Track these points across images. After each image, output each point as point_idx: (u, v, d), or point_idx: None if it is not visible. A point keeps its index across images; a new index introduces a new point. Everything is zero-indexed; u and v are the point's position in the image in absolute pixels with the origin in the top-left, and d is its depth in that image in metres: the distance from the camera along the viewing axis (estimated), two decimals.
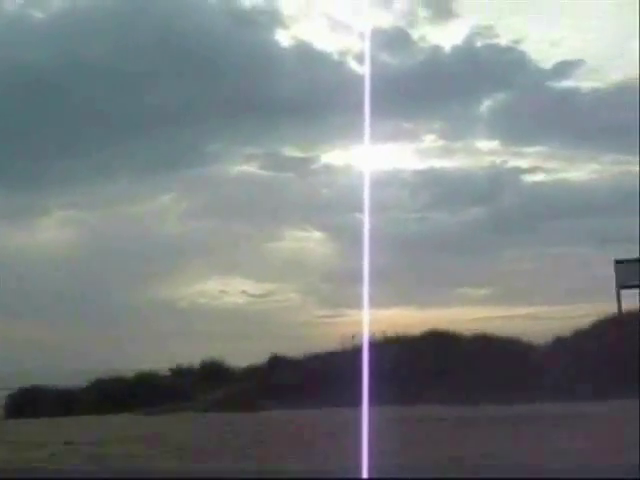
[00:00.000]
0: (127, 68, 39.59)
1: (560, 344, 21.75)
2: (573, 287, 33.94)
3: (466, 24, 43.60)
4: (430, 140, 42.77)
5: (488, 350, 19.76)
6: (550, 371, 18.82)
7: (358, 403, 7.78)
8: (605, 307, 21.83)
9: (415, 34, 42.49)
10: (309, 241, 44.10)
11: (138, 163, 41.35)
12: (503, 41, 40.95)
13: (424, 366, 19.19)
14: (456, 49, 40.94)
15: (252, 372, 21.19)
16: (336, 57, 42.61)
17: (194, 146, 43.37)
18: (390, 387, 17.19)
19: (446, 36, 43.33)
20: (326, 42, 51.02)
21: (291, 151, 43.60)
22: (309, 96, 39.28)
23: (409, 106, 41.03)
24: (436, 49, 41.12)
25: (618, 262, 24.57)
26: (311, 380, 18.66)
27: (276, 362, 21.47)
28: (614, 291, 23.37)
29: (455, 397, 17.96)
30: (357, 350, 19.33)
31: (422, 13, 44.34)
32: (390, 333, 19.62)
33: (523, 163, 41.77)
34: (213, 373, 21.66)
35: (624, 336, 20.54)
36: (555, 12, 42.49)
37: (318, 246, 44.11)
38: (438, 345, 19.95)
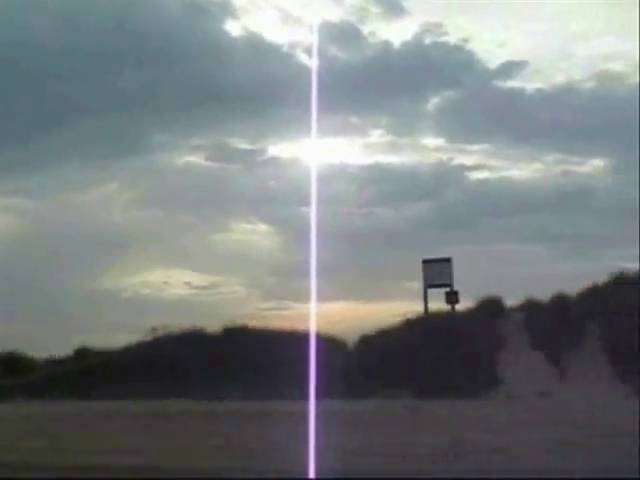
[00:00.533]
0: (75, 52, 38.86)
1: (363, 343, 23.02)
2: (515, 283, 34.49)
3: (416, 21, 43.72)
4: (377, 135, 42.91)
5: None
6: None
7: None
8: None
9: (365, 29, 42.37)
10: (255, 234, 43.89)
11: (82, 151, 40.52)
12: (452, 39, 41.16)
13: None
14: (405, 45, 41.26)
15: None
16: (286, 49, 42.29)
17: (140, 135, 42.79)
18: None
19: (396, 32, 43.42)
20: (276, 34, 50.73)
21: (238, 143, 43.21)
22: (258, 88, 39.08)
23: (357, 101, 41.21)
24: (386, 45, 41.36)
25: (425, 262, 25.46)
26: None
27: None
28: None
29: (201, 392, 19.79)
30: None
31: (373, 9, 44.30)
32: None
33: (468, 160, 42.08)
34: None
35: (427, 335, 21.85)
36: (503, 13, 43.01)
37: (264, 239, 43.95)
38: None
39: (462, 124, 41.83)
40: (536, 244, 39.02)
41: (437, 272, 25.02)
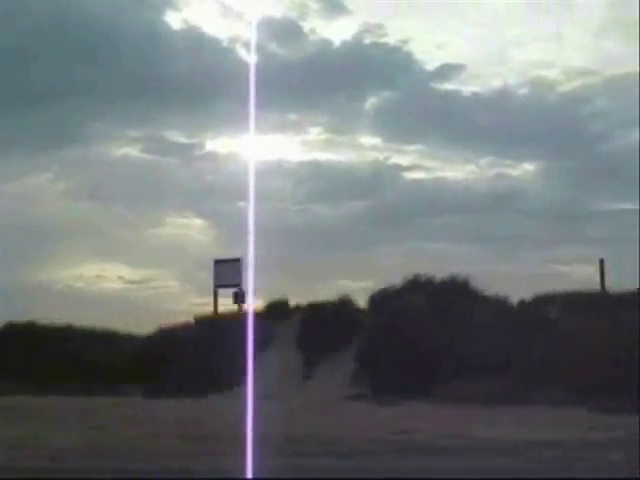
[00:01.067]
0: (9, 42, 37.96)
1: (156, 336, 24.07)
2: None
3: (356, 21, 44.07)
4: (315, 133, 43.07)
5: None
6: None
7: None
8: None
9: (306, 26, 42.36)
10: (190, 228, 43.58)
11: (16, 141, 39.60)
12: (391, 40, 41.51)
13: None
14: (345, 44, 41.48)
15: None
16: (226, 44, 42.03)
17: (75, 125, 41.93)
18: None
19: (336, 31, 43.57)
20: (216, 28, 50.34)
21: (175, 136, 42.78)
22: (197, 81, 38.73)
23: (296, 98, 41.26)
24: (325, 43, 41.52)
25: (216, 262, 26.25)
26: None
27: None
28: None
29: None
30: None
31: (314, 6, 44.31)
32: None
33: (404, 160, 42.58)
34: None
35: (216, 336, 22.87)
36: (442, 17, 43.54)
37: (199, 233, 43.66)
38: None
39: (399, 124, 42.37)
40: (469, 244, 39.79)
41: (227, 272, 25.61)
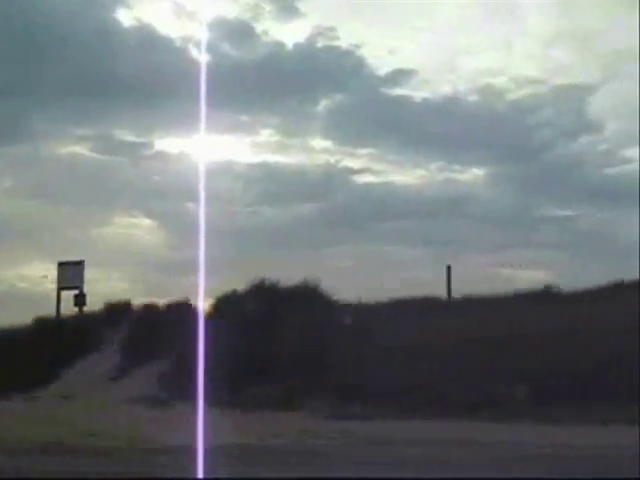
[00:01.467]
0: None
1: None
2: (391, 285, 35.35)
3: (309, 23, 44.05)
4: (266, 135, 42.98)
5: None
6: None
7: None
8: None
9: (259, 28, 42.26)
10: (138, 228, 43.06)
11: None
12: (344, 44, 41.67)
13: None
14: (298, 47, 41.51)
15: None
16: (178, 43, 41.66)
17: (23, 123, 41.09)
18: None
19: (289, 33, 43.59)
20: (169, 27, 50.00)
21: (124, 135, 42.24)
22: (147, 80, 38.37)
23: (247, 99, 41.07)
24: (278, 45, 41.47)
25: (60, 264, 26.64)
26: None
27: None
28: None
29: None
30: None
31: (267, 8, 44.22)
32: None
33: (355, 164, 42.79)
34: None
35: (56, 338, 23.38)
36: (395, 22, 43.80)
37: (148, 234, 43.20)
38: None
39: (350, 128, 42.53)
40: (418, 248, 40.15)
41: (70, 275, 25.81)
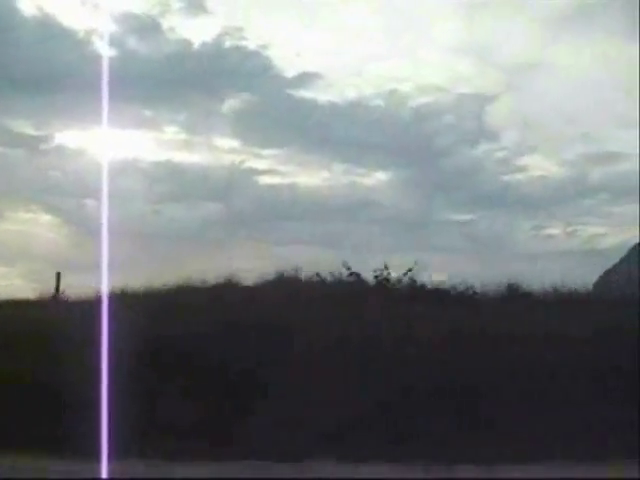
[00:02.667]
0: None
1: None
2: None
3: (217, 22, 43.78)
4: (171, 132, 42.33)
5: None
6: None
7: None
8: None
9: (166, 24, 41.63)
10: (36, 224, 41.61)
11: None
12: (251, 45, 41.57)
13: None
14: (205, 46, 41.10)
15: None
16: (82, 35, 40.54)
17: None
18: None
19: (197, 31, 43.23)
20: (73, 18, 48.35)
21: (22, 127, 40.70)
22: (48, 72, 37.20)
23: (153, 95, 40.36)
24: (185, 42, 40.92)
25: None
26: None
27: None
28: None
29: None
30: None
31: (175, 4, 43.66)
32: None
33: (260, 165, 42.77)
34: None
35: None
36: (303, 24, 44.02)
37: (46, 230, 41.81)
38: None
39: (256, 128, 42.43)
40: (321, 250, 40.40)
41: None
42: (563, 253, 37.44)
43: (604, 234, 42.01)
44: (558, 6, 39.31)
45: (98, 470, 8.37)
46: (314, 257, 39.48)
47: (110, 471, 8.34)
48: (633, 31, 34.94)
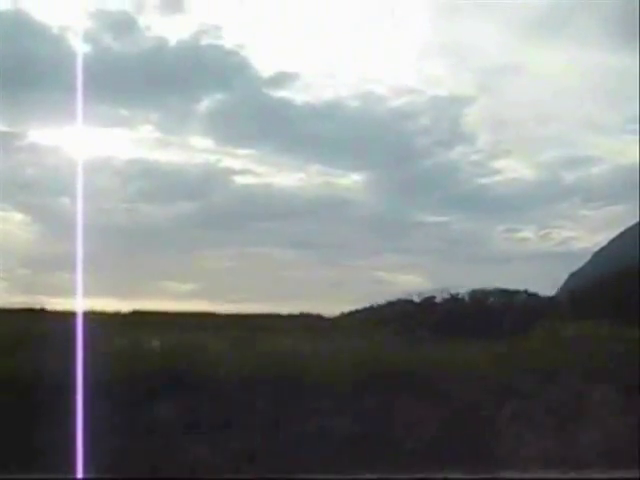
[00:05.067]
0: None
1: None
2: (269, 286, 35.53)
3: (194, 21, 43.99)
4: (146, 131, 42.40)
5: None
6: None
7: None
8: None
9: (142, 21, 41.73)
10: (8, 222, 41.23)
11: None
12: (228, 44, 41.71)
13: None
14: (181, 44, 41.12)
15: None
16: (56, 32, 40.35)
17: None
18: None
19: (173, 29, 43.32)
20: (47, 14, 48.24)
21: None
22: (22, 68, 36.74)
23: (127, 93, 40.32)
24: (161, 41, 40.96)
25: None
26: None
27: None
28: None
29: None
30: None
31: (152, 1, 43.69)
32: None
33: (235, 164, 43.07)
34: None
35: None
36: (280, 25, 44.37)
37: (17, 228, 41.46)
38: None
39: (231, 128, 42.47)
40: (295, 250, 40.50)
41: None
42: (536, 256, 37.96)
43: (576, 237, 42.64)
44: (532, 11, 39.88)
45: None
46: (287, 258, 39.35)
47: None
48: (606, 37, 35.47)
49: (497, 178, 42.35)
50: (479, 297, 20.20)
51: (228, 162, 42.66)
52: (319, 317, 20.85)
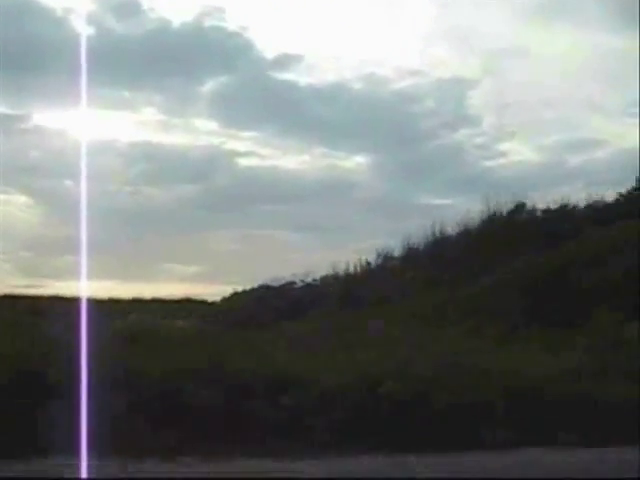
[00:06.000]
0: None
1: None
2: (274, 269, 35.58)
3: (197, 2, 43.83)
4: (149, 113, 42.50)
5: None
6: None
7: None
8: None
9: (145, 3, 41.50)
10: (12, 205, 41.32)
11: None
12: (231, 25, 41.68)
13: None
14: (185, 26, 40.97)
15: None
16: (59, 14, 40.30)
17: None
18: None
19: (176, 11, 43.31)
20: None
21: None
22: (25, 51, 36.63)
23: (131, 76, 40.24)
24: (165, 22, 40.81)
25: None
26: None
27: None
28: None
29: None
30: None
31: None
32: None
33: (239, 146, 42.94)
34: None
35: None
36: (284, 7, 44.04)
37: (21, 211, 41.54)
38: None
39: (235, 110, 42.37)
40: (299, 232, 40.48)
41: None
42: None
43: None
44: None
45: None
46: (291, 241, 39.43)
47: None
48: (608, 20, 35.18)
49: (502, 161, 42.25)
50: None
51: (232, 144, 42.68)
52: None
